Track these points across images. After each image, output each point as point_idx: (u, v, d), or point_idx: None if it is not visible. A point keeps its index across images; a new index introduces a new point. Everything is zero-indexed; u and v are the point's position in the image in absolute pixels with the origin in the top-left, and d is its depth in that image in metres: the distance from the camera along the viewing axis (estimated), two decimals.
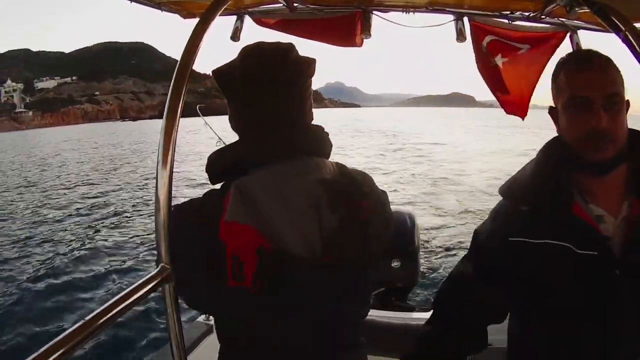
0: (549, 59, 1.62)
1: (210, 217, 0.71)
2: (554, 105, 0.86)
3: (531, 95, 1.72)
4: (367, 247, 0.78)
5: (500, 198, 0.93)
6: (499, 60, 1.64)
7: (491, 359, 0.98)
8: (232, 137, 0.82)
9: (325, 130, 0.82)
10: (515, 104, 1.74)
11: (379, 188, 0.85)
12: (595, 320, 0.80)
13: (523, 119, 1.78)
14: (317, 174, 0.74)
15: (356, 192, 0.77)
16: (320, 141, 0.80)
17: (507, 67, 1.66)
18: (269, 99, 0.75)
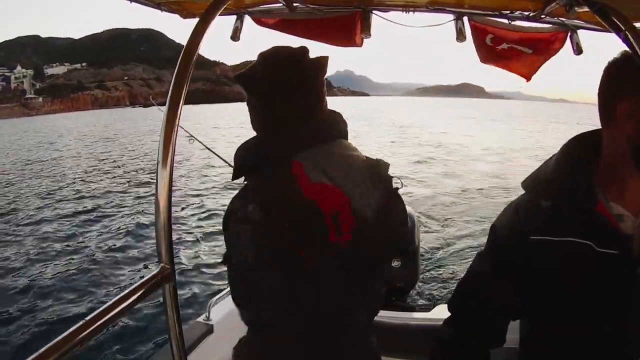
0: (550, 57, 1.62)
1: (284, 185, 0.78)
2: (607, 102, 0.82)
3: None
4: (401, 216, 0.91)
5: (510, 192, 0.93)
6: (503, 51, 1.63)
7: (496, 359, 0.98)
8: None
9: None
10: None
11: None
12: (608, 320, 0.80)
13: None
14: (356, 153, 0.86)
15: (386, 172, 0.89)
16: (342, 124, 0.90)
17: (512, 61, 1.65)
18: (294, 97, 0.85)
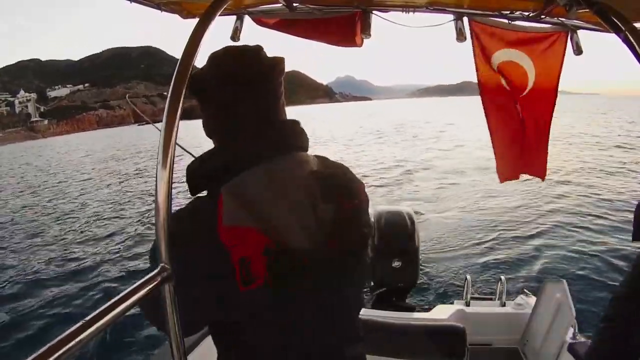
0: (559, 69, 1.62)
1: (205, 224, 0.71)
2: None
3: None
4: (360, 231, 0.82)
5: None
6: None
7: (491, 359, 0.97)
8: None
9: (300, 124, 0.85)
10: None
11: (356, 176, 0.88)
12: None
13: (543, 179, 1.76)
14: (306, 167, 0.78)
15: (342, 181, 0.82)
16: (299, 135, 0.83)
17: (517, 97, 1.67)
18: (246, 100, 0.78)
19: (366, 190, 0.88)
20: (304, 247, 0.72)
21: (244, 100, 0.78)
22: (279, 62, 0.81)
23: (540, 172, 1.76)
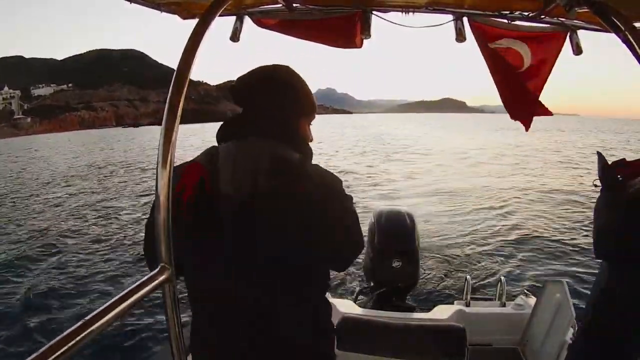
0: (553, 61, 1.62)
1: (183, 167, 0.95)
2: None
3: (536, 103, 1.70)
4: (296, 216, 0.91)
5: None
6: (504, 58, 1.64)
7: (491, 359, 0.97)
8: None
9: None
10: (521, 110, 1.74)
11: (338, 186, 0.99)
12: None
13: (527, 130, 1.76)
14: (271, 151, 0.95)
15: (298, 174, 0.94)
16: (285, 132, 1.00)
17: (512, 68, 1.66)
18: (252, 101, 1.03)
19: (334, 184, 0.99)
20: (228, 199, 0.91)
21: (253, 100, 1.02)
22: (289, 82, 1.03)
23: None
